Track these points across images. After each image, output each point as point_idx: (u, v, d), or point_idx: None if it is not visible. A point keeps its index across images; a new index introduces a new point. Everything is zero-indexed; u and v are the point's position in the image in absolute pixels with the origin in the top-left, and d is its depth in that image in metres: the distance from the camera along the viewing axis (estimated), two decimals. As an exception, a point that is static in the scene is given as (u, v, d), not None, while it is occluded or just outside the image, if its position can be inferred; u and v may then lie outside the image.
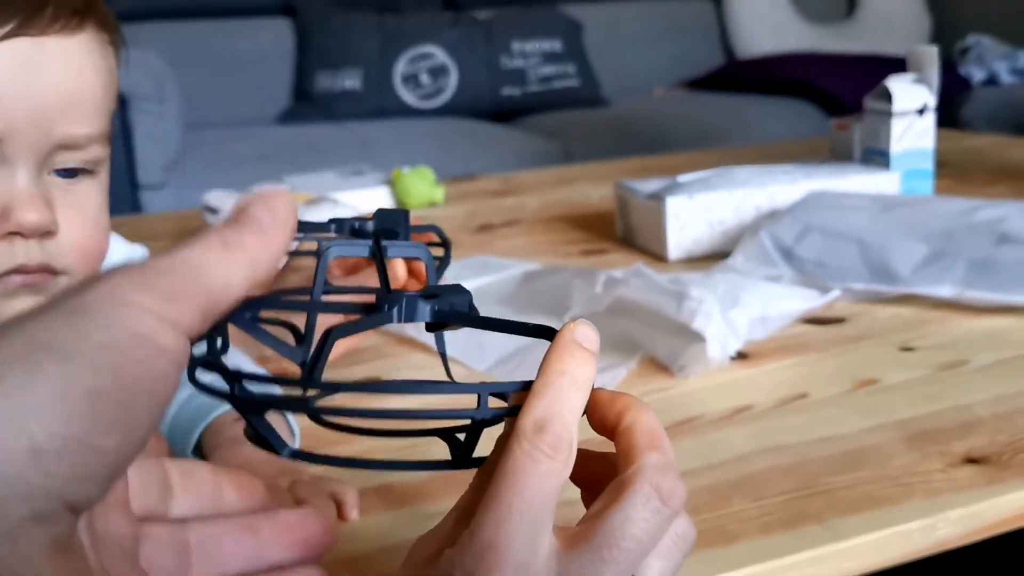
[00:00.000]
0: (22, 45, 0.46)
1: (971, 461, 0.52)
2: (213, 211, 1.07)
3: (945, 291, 0.76)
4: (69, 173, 0.50)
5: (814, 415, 0.60)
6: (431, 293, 0.35)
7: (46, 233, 0.49)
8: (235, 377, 0.31)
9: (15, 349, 0.23)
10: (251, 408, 0.32)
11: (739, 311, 0.65)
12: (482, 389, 0.32)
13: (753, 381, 0.65)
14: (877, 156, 1.09)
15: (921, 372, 0.65)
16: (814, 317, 0.77)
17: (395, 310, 0.34)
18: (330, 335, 0.32)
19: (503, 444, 0.31)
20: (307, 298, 0.37)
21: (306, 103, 2.74)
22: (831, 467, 0.53)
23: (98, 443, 0.23)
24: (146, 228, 1.33)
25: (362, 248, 0.40)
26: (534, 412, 0.30)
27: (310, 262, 0.57)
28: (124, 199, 1.96)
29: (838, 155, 1.17)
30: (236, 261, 0.27)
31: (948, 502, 0.48)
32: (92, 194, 0.52)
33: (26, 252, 0.48)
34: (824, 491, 0.50)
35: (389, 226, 0.43)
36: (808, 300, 0.69)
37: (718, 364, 0.66)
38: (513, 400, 0.32)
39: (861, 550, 0.45)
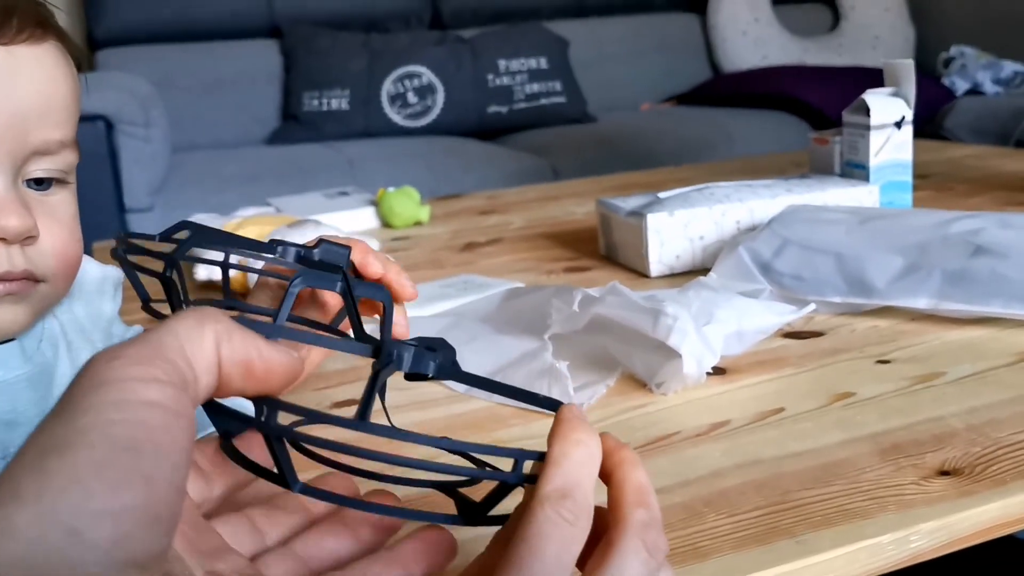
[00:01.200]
0: None
1: (944, 473, 0.53)
2: (196, 234, 1.07)
3: (921, 303, 0.76)
4: (42, 184, 0.51)
5: (789, 429, 0.60)
6: (430, 346, 0.38)
7: (28, 239, 0.49)
8: (267, 405, 0.33)
9: (25, 460, 0.25)
10: (280, 437, 0.32)
11: (713, 327, 0.66)
12: (520, 455, 0.33)
13: (730, 397, 0.66)
14: (857, 169, 1.10)
15: (896, 385, 0.65)
16: (792, 331, 0.77)
17: (404, 358, 0.37)
18: (378, 376, 0.35)
19: (523, 510, 0.33)
20: (269, 319, 0.38)
21: (294, 124, 2.75)
22: (805, 481, 0.53)
23: (119, 504, 0.24)
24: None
25: (331, 283, 0.41)
26: (555, 480, 0.32)
27: (276, 281, 0.58)
28: (111, 223, 1.96)
29: (818, 168, 1.18)
30: (203, 332, 0.29)
31: (921, 515, 0.49)
32: (65, 203, 0.53)
33: (9, 259, 0.49)
34: (797, 505, 0.50)
35: (332, 260, 0.45)
36: (783, 315, 0.70)
37: (695, 380, 0.66)
38: (531, 468, 0.34)
39: (833, 564, 0.46)
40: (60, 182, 0.52)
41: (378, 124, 2.74)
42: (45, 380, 0.54)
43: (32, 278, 0.50)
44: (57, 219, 0.51)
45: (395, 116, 2.75)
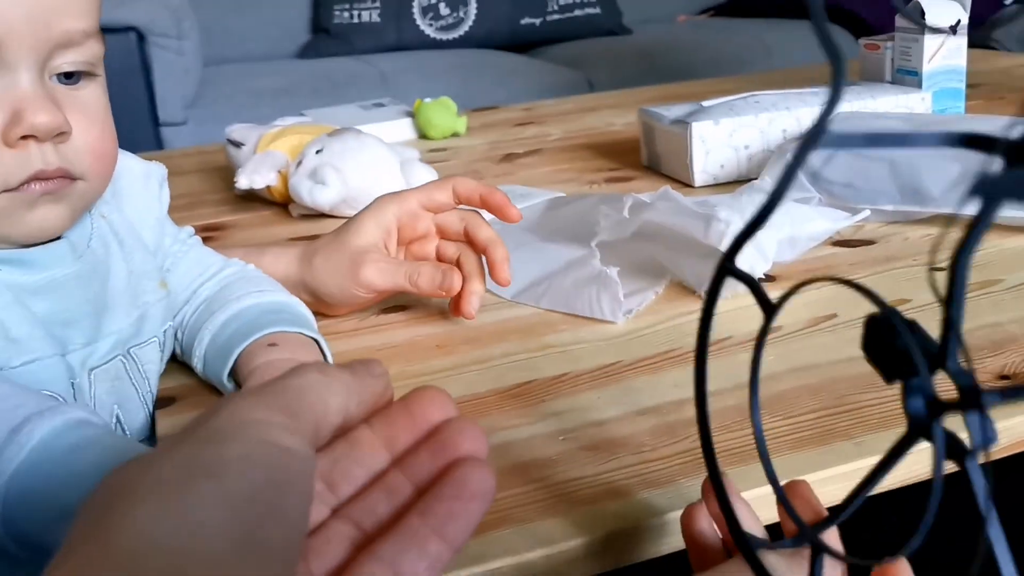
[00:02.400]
0: None
1: (1004, 378, 0.52)
2: (237, 144, 1.06)
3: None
4: (71, 78, 0.50)
5: (843, 335, 0.59)
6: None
7: (60, 135, 0.48)
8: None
9: (168, 474, 0.25)
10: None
11: (767, 232, 0.65)
12: None
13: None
14: (909, 76, 1.07)
15: (952, 292, 0.64)
16: (843, 239, 0.76)
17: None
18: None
19: None
20: None
21: (324, 37, 2.71)
22: (860, 386, 0.52)
23: (262, 536, 0.25)
24: (171, 164, 1.31)
25: None
26: None
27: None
28: (146, 136, 1.96)
29: (868, 76, 1.15)
30: (331, 387, 0.30)
31: (979, 418, 0.48)
32: (96, 97, 0.51)
33: (42, 157, 0.48)
34: (854, 409, 0.50)
35: None
36: (837, 220, 0.69)
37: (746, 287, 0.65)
38: None
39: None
40: (88, 75, 0.51)
41: (410, 36, 2.69)
42: (99, 278, 0.54)
43: (68, 176, 0.49)
44: (88, 114, 0.50)
45: (427, 28, 2.71)
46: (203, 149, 1.43)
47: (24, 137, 0.47)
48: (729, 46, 2.58)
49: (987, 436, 0.26)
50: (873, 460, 0.46)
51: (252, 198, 1.06)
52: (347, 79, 2.34)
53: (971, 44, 1.09)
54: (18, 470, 0.39)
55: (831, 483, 0.44)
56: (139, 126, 1.97)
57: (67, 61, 0.49)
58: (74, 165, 0.49)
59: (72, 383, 0.51)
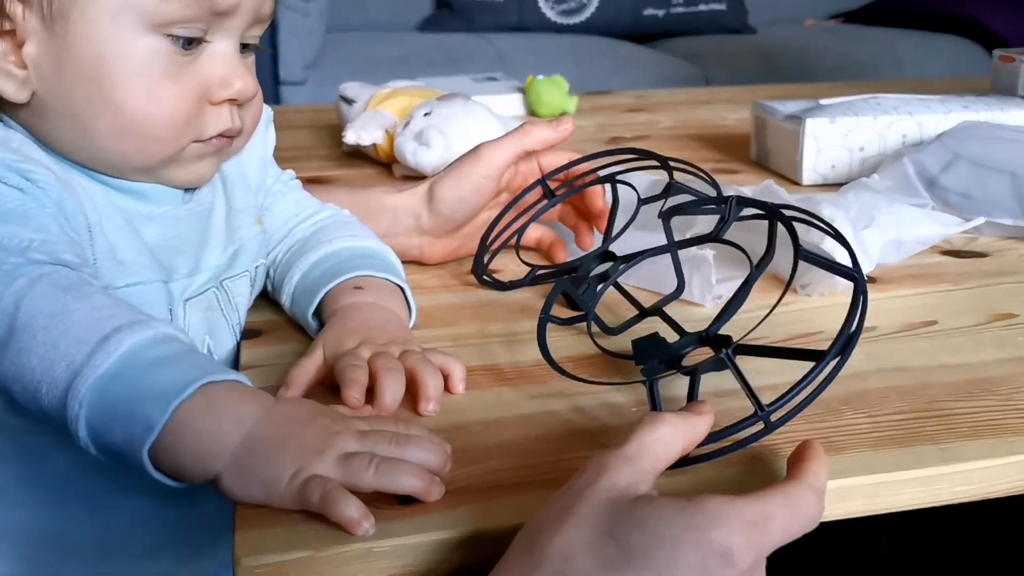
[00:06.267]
0: None
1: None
2: (348, 101, 1.08)
3: (1102, 233, 0.71)
4: (246, 49, 0.54)
5: (941, 343, 0.57)
6: None
7: (247, 102, 0.53)
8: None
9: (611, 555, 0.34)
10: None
11: (872, 232, 0.62)
12: None
13: (879, 305, 0.63)
14: (1042, 91, 1.02)
15: (1065, 312, 0.61)
16: (953, 249, 0.73)
17: None
18: None
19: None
20: None
21: (447, 12, 2.74)
22: (953, 393, 0.50)
23: None
24: (284, 118, 1.35)
25: None
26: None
27: None
28: (266, 92, 2.00)
29: (1000, 89, 1.10)
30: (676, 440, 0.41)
31: (1079, 439, 0.46)
32: (254, 65, 0.55)
33: (231, 118, 0.53)
34: (943, 415, 0.48)
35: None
36: (948, 226, 0.66)
37: (845, 286, 0.63)
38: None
39: (976, 475, 0.44)
40: (255, 46, 0.55)
41: (531, 18, 2.69)
42: (203, 214, 0.56)
43: (237, 135, 0.54)
44: (255, 80, 0.54)
45: (549, 11, 2.70)
46: (317, 107, 1.46)
47: (228, 100, 0.52)
48: (857, 53, 2.50)
49: None
50: (959, 467, 0.44)
51: (358, 156, 1.07)
52: (464, 54, 2.36)
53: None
54: (103, 376, 0.41)
55: (909, 486, 0.43)
56: (260, 82, 2.02)
57: (254, 35, 0.53)
58: (246, 126, 0.54)
59: (170, 309, 0.53)
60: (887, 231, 0.64)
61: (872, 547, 0.70)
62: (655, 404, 0.46)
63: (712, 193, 0.62)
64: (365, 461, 0.39)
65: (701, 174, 0.66)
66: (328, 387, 0.51)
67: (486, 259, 0.68)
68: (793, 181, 0.96)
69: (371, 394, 0.47)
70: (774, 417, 0.42)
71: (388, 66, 2.21)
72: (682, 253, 0.68)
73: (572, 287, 0.58)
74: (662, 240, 0.55)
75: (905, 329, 0.59)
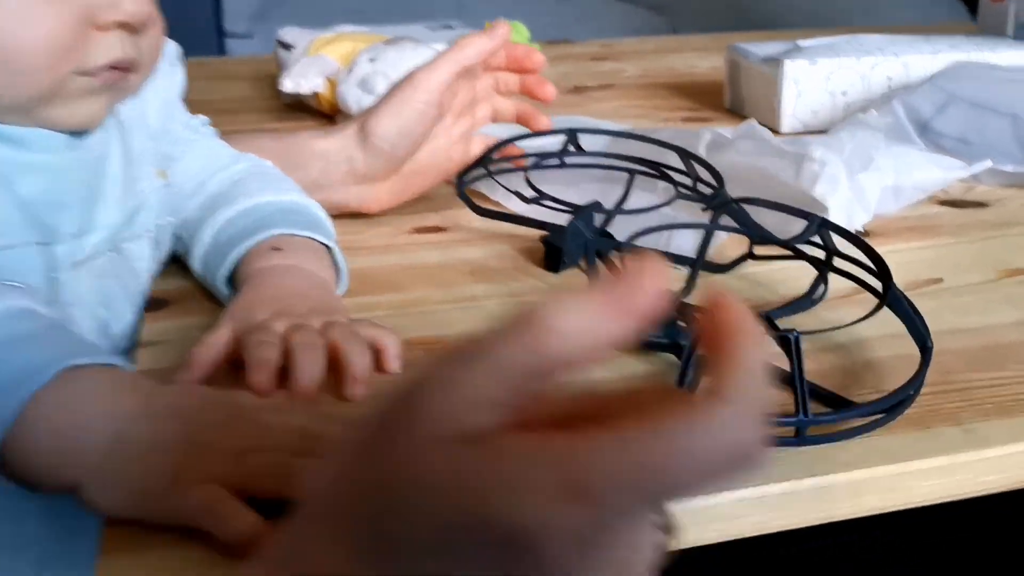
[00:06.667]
0: None
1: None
2: (287, 47, 0.99)
3: (1114, 179, 0.64)
4: None
5: (949, 302, 0.50)
6: None
7: (142, 28, 0.45)
8: None
9: None
10: None
11: (870, 176, 0.55)
12: None
13: (876, 261, 0.56)
14: (1035, 30, 0.95)
15: (1081, 266, 0.55)
16: (951, 199, 0.66)
17: None
18: None
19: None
20: None
21: (403, -39, 2.63)
22: (971, 363, 0.44)
23: None
24: (223, 69, 1.26)
25: None
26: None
27: None
28: (210, 45, 1.90)
29: (989, 29, 1.03)
30: None
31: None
32: None
33: (122, 47, 0.44)
34: (963, 388, 0.41)
35: None
36: (951, 170, 0.59)
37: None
38: None
39: (1009, 461, 0.37)
40: None
41: (490, -32, 2.59)
42: (94, 163, 0.48)
43: (132, 69, 0.46)
44: (156, 10, 0.47)
45: (509, -39, 2.60)
46: (258, 58, 1.36)
47: (118, 25, 0.44)
48: (831, 2, 2.43)
49: None
50: (988, 453, 0.37)
51: (299, 107, 0.98)
52: (422, 3, 2.27)
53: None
54: None
55: (933, 476, 0.36)
56: (203, 36, 1.91)
57: None
58: (142, 59, 0.46)
59: (52, 276, 0.45)
60: (885, 176, 0.57)
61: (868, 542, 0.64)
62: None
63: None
64: (268, 462, 0.32)
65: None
66: (239, 367, 0.43)
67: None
68: (773, 130, 0.89)
69: (287, 376, 0.39)
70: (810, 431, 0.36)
71: (341, 17, 2.08)
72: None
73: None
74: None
75: (909, 288, 0.52)
